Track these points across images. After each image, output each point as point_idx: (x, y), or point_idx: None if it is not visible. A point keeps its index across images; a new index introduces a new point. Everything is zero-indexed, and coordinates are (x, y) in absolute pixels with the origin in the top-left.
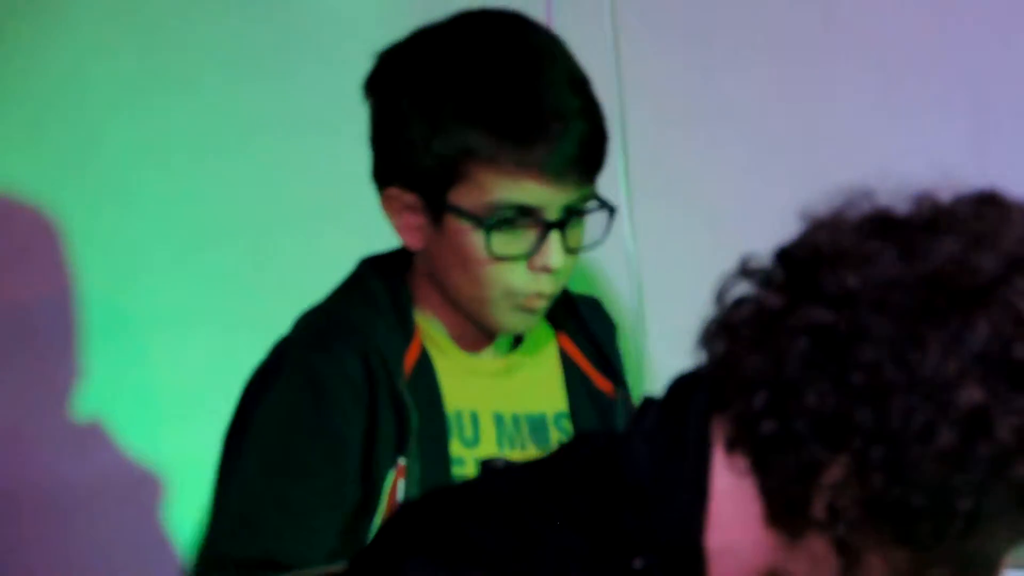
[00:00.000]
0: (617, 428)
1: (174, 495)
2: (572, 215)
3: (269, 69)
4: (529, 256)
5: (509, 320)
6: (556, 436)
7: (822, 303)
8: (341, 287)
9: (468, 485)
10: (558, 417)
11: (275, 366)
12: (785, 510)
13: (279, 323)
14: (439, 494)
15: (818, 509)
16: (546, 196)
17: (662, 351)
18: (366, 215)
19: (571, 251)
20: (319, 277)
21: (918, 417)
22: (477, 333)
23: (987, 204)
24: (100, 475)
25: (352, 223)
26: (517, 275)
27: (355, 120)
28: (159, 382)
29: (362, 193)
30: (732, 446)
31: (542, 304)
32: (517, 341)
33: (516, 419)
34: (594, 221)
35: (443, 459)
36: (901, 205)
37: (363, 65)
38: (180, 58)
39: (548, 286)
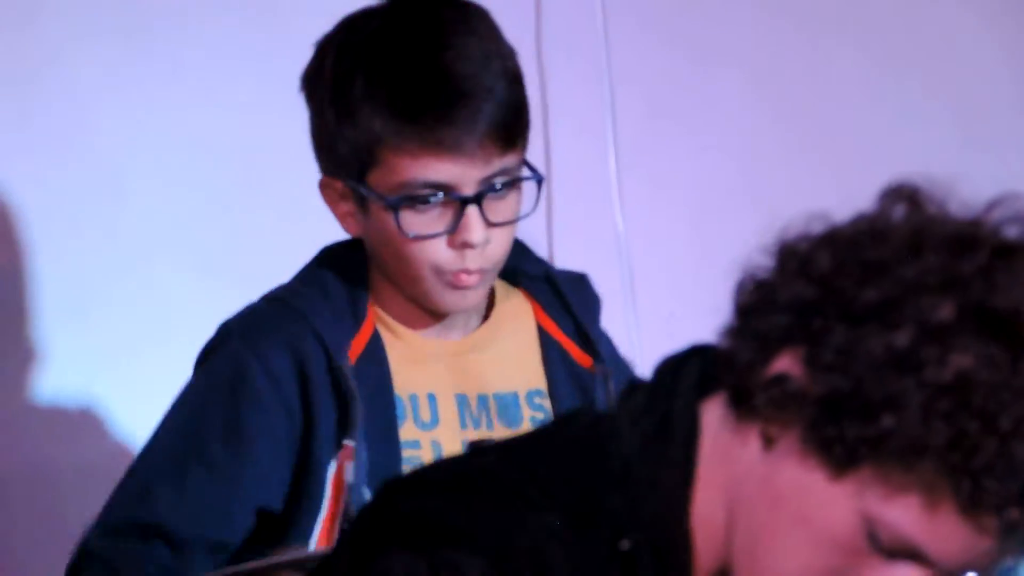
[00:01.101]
0: (598, 404)
1: None
2: (490, 189)
3: (262, 56)
4: (449, 233)
5: (445, 299)
6: (528, 414)
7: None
8: (296, 274)
9: (450, 465)
10: (531, 395)
11: (210, 349)
12: (739, 391)
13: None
14: (420, 475)
15: (760, 393)
16: (456, 172)
17: (651, 332)
18: None
19: (494, 224)
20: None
21: (884, 310)
22: (431, 317)
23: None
24: (87, 459)
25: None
26: (440, 253)
27: None
28: (145, 364)
29: None
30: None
31: (473, 280)
32: (485, 318)
33: (482, 399)
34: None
35: (392, 442)
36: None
37: None
38: (166, 42)
39: (474, 262)
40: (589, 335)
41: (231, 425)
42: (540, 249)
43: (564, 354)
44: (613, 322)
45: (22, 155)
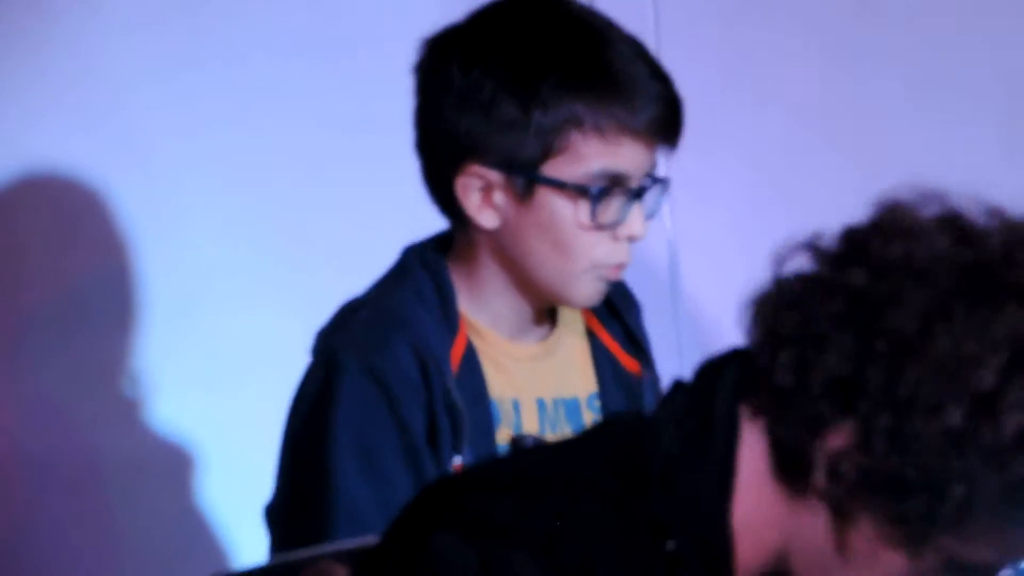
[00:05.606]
0: (645, 408)
1: (211, 471)
2: (650, 185)
3: (315, 49)
4: (616, 225)
5: (587, 293)
6: (590, 418)
7: (864, 266)
8: (387, 279)
9: (498, 463)
10: (591, 399)
11: (335, 367)
12: (790, 464)
13: (328, 303)
14: (470, 471)
15: (819, 470)
16: (639, 161)
17: (697, 334)
18: (412, 193)
19: (647, 220)
20: (366, 256)
21: (927, 389)
22: (518, 319)
23: None
24: (142, 450)
25: (398, 201)
26: (603, 245)
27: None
28: (204, 358)
29: (409, 171)
30: (750, 399)
31: (619, 275)
32: (552, 326)
33: (556, 403)
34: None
35: (492, 449)
36: (974, 211)
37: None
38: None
39: (628, 256)
40: (637, 339)
41: (396, 433)
42: None
43: (613, 359)
44: (660, 323)
45: (91, 186)
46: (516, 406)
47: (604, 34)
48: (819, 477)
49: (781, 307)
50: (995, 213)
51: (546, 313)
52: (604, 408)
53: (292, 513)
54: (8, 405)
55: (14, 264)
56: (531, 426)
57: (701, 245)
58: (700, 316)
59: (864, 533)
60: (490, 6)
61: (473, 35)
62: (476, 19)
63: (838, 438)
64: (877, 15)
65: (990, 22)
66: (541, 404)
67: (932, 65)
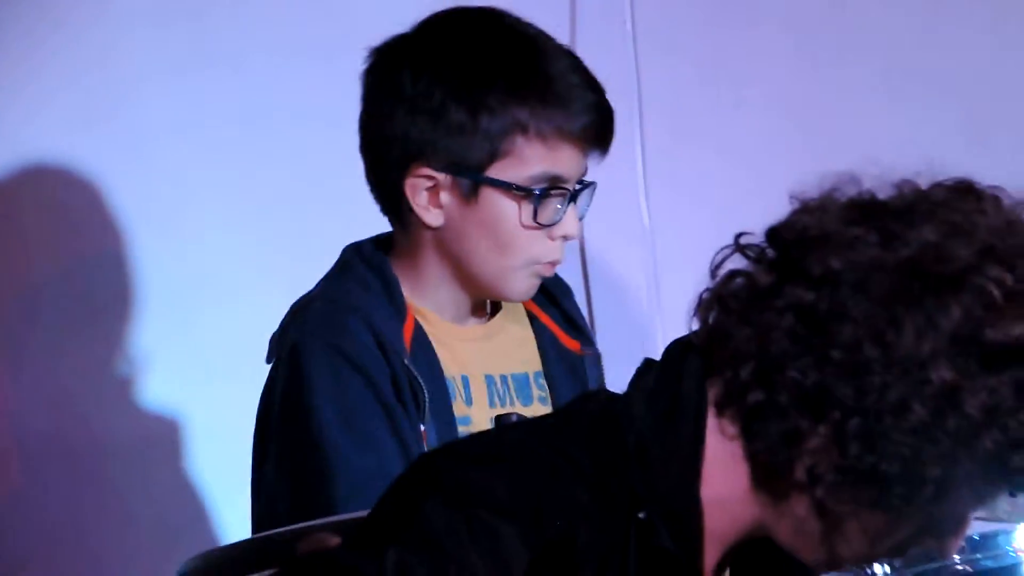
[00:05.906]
0: (588, 385)
1: (207, 451)
2: (583, 188)
3: (315, 49)
4: (553, 225)
5: (522, 289)
6: (537, 393)
7: (806, 283)
8: (330, 276)
9: (484, 438)
10: (537, 375)
11: (300, 353)
12: (769, 474)
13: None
14: (456, 445)
15: (799, 474)
16: (575, 165)
17: (675, 320)
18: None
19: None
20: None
21: (892, 393)
22: (460, 307)
23: (963, 193)
24: (141, 431)
25: None
26: (542, 244)
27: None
28: (202, 344)
29: None
30: (721, 411)
31: (552, 272)
32: (495, 309)
33: (504, 379)
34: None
35: (450, 422)
36: (884, 191)
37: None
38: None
39: (561, 254)
40: (575, 320)
41: (375, 404)
42: (571, 245)
43: (554, 339)
44: (640, 311)
45: (94, 180)
46: (465, 381)
47: (543, 46)
48: (799, 475)
49: (733, 322)
50: (905, 186)
51: (486, 303)
52: (550, 384)
53: (297, 500)
54: (13, 389)
55: (19, 255)
56: (480, 400)
57: (679, 239)
58: (678, 310)
59: (847, 521)
60: (436, 17)
61: (422, 45)
62: (423, 29)
63: (813, 442)
64: (851, 13)
65: (962, 19)
66: (490, 380)
67: (905, 61)
